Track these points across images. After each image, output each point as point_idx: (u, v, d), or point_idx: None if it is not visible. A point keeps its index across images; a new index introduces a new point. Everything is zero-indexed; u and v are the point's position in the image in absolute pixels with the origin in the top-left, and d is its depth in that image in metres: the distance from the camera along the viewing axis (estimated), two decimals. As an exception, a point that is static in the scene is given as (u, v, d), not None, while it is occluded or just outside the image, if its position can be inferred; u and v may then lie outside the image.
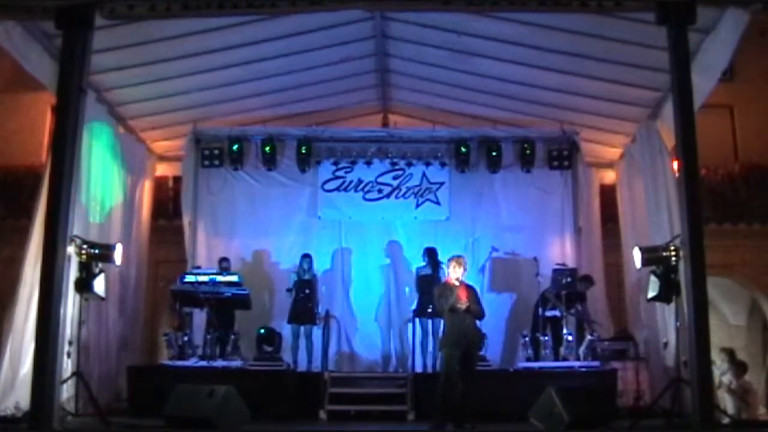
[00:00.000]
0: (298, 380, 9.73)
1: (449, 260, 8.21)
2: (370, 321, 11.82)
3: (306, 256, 11.04)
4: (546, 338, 10.26)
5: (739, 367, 10.28)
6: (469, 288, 8.11)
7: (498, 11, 8.76)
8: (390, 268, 11.98)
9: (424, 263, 10.97)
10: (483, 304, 8.23)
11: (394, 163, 12.20)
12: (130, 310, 11.20)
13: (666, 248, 8.51)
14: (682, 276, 7.83)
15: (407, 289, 11.58)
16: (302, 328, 10.74)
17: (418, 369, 10.36)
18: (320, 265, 11.52)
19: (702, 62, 8.43)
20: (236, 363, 9.96)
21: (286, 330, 10.84)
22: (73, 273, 8.01)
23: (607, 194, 12.41)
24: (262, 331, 10.52)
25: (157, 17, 8.13)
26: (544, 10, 7.98)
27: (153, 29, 8.86)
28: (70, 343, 8.05)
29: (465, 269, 8.11)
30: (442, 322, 10.54)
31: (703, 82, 8.27)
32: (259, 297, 11.43)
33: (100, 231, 9.91)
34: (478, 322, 8.07)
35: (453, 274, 8.02)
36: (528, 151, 12.04)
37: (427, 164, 12.16)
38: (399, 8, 9.13)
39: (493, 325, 11.21)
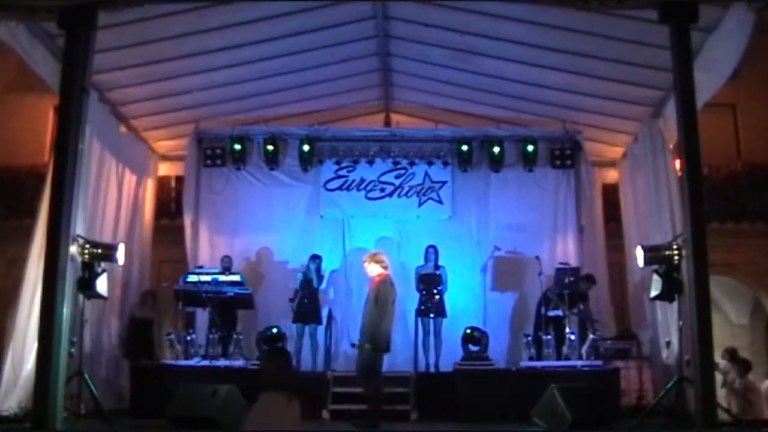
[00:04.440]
0: (301, 380, 9.73)
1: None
2: (371, 320, 11.79)
3: (316, 257, 11.06)
4: (549, 337, 10.23)
5: (742, 367, 10.27)
6: (378, 284, 8.15)
7: (500, 7, 8.75)
8: (392, 267, 11.92)
9: (423, 263, 11.00)
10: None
11: (396, 162, 12.20)
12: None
13: (669, 247, 8.48)
14: (685, 275, 7.80)
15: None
16: (307, 328, 10.74)
17: (421, 368, 10.35)
18: (322, 264, 11.51)
19: (705, 61, 8.39)
20: (239, 362, 9.96)
21: (290, 329, 10.84)
22: (75, 273, 8.01)
23: (610, 193, 12.40)
24: (275, 330, 10.50)
25: (158, 1, 8.10)
26: (546, 5, 7.96)
27: (155, 29, 8.86)
28: (73, 342, 8.04)
29: (378, 262, 8.23)
30: (443, 321, 10.67)
31: (707, 82, 8.23)
32: (262, 296, 11.42)
33: (102, 231, 9.92)
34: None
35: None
36: (530, 150, 12.04)
37: (430, 163, 12.17)
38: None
39: (496, 324, 11.27)
